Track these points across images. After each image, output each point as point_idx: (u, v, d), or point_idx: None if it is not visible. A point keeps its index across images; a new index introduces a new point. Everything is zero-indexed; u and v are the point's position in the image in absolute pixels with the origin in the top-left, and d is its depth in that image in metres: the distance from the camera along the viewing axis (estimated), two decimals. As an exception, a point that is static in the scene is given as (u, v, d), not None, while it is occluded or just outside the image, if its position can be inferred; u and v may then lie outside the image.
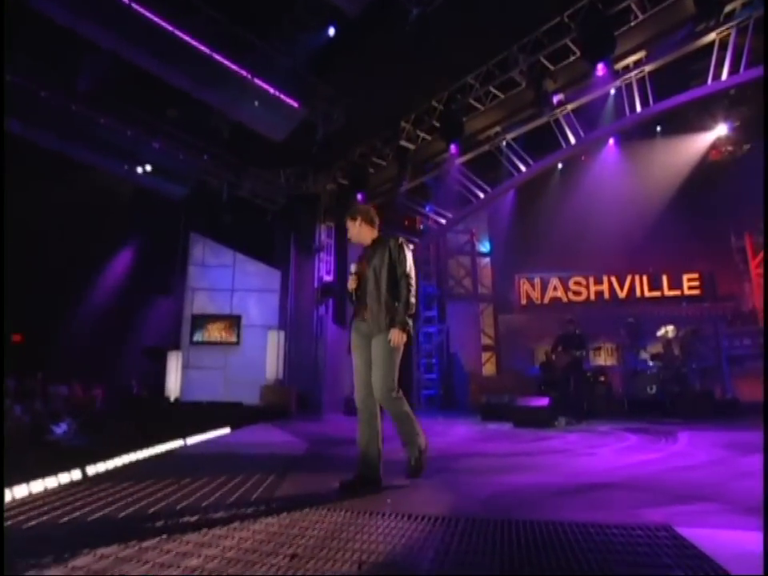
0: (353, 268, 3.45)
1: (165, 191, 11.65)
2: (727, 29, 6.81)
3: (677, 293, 12.42)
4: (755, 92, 9.55)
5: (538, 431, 6.92)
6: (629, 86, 7.88)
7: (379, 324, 3.24)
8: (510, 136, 9.59)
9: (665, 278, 12.65)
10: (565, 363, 8.76)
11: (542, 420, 7.40)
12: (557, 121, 8.89)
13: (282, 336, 10.99)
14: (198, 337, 11.67)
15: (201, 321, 11.76)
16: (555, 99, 8.31)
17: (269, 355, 10.74)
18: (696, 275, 12.26)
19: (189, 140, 10.66)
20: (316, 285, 12.08)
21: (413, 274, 3.28)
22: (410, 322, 3.27)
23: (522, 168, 9.52)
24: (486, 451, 5.01)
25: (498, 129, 9.73)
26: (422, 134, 10.49)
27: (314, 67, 9.16)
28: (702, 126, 11.39)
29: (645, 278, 12.89)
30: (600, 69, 7.36)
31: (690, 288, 12.25)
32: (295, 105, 9.06)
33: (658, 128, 11.59)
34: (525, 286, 14.58)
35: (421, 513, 2.58)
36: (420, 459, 3.34)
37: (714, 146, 11.47)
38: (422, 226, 13.22)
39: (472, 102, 9.34)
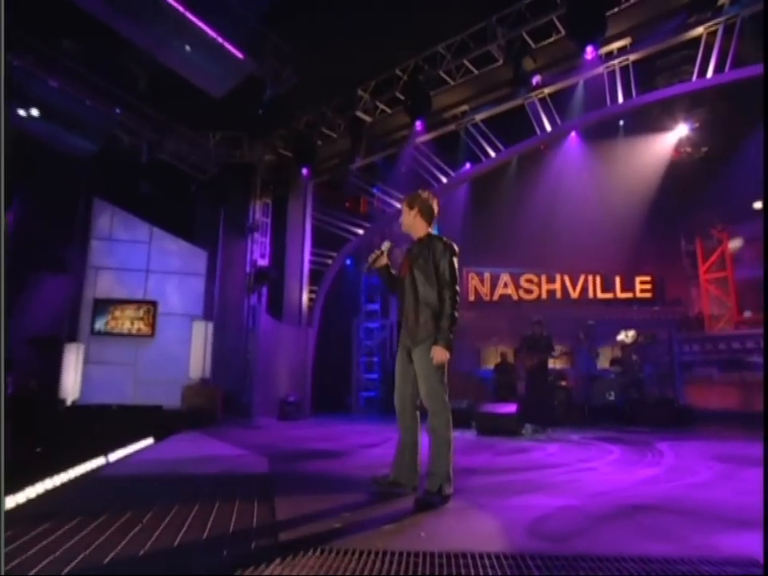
0: (385, 245, 3.48)
1: (64, 145, 10.30)
2: (715, 24, 7.18)
3: (629, 295, 13.19)
4: (716, 94, 10.28)
5: (506, 440, 6.93)
6: (611, 74, 8.10)
7: (415, 337, 3.26)
8: (479, 116, 9.54)
9: (618, 280, 13.39)
10: (530, 367, 8.92)
11: (509, 428, 7.43)
12: (531, 105, 8.97)
13: (210, 328, 10.21)
14: (100, 325, 10.54)
15: (105, 306, 10.63)
16: (534, 80, 8.35)
17: (194, 350, 9.93)
18: (648, 278, 13.08)
19: (99, 83, 9.50)
20: (248, 269, 11.37)
21: (457, 284, 3.26)
22: (450, 341, 3.21)
23: (492, 153, 9.52)
24: (476, 465, 4.84)
25: (465, 107, 9.65)
26: (382, 106, 10.16)
27: (265, 15, 8.50)
28: (662, 126, 12.11)
29: (598, 279, 13.55)
30: (589, 52, 7.46)
31: (642, 291, 13.05)
32: (240, 56, 8.34)
33: (621, 122, 12.15)
34: (473, 281, 14.80)
35: (475, 548, 2.33)
36: (435, 495, 3.12)
37: (674, 148, 12.25)
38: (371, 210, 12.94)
39: (442, 74, 9.16)
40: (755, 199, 11.65)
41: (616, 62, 8.00)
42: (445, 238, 3.34)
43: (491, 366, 14.82)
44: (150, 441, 6.14)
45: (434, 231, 3.50)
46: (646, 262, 13.42)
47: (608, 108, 8.22)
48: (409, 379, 3.38)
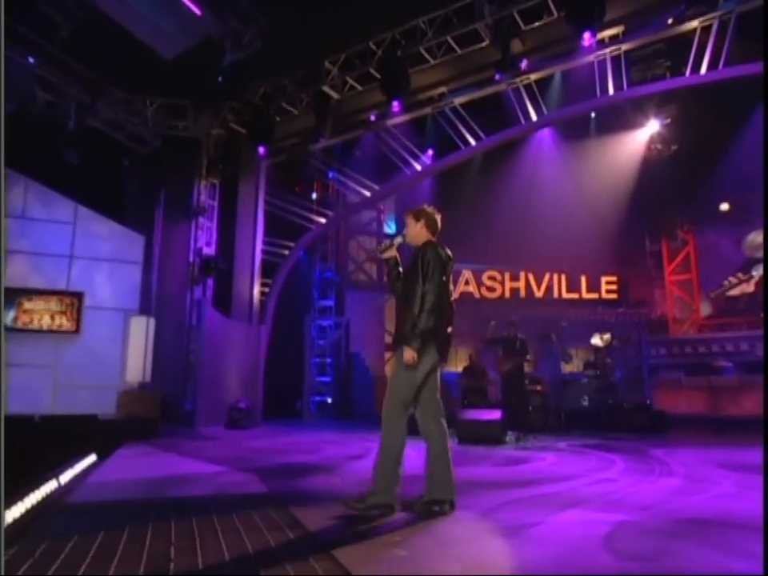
0: (397, 239, 3.62)
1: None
2: (710, 19, 7.51)
3: (594, 296, 13.71)
4: (686, 90, 10.78)
5: (492, 449, 6.93)
6: (602, 64, 8.30)
7: (395, 338, 3.38)
8: (458, 100, 9.49)
9: (583, 280, 13.88)
10: (505, 371, 8.99)
11: (493, 436, 7.44)
12: (515, 91, 9.04)
13: (151, 325, 9.52)
14: (8, 320, 9.57)
15: (16, 297, 9.66)
16: (523, 65, 8.40)
17: (132, 350, 9.20)
18: (614, 278, 13.66)
19: (11, 26, 8.54)
20: (192, 258, 10.75)
21: (434, 284, 3.30)
22: (419, 342, 3.21)
23: (472, 141, 9.51)
24: (483, 477, 4.75)
25: (444, 89, 9.58)
26: (351, 82, 9.88)
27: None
28: (634, 121, 12.62)
29: (563, 278, 13.99)
30: (587, 38, 7.56)
31: (608, 292, 13.61)
32: (198, 12, 7.79)
33: (593, 114, 12.54)
34: (433, 277, 14.82)
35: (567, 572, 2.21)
36: (370, 509, 3.14)
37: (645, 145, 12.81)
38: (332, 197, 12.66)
39: (422, 51, 9.02)
40: (722, 200, 12.44)
41: (607, 50, 8.19)
42: (435, 243, 3.45)
43: (454, 368, 15.02)
44: (92, 458, 5.59)
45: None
46: (610, 262, 13.99)
47: (598, 99, 8.41)
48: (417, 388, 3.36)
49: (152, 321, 9.55)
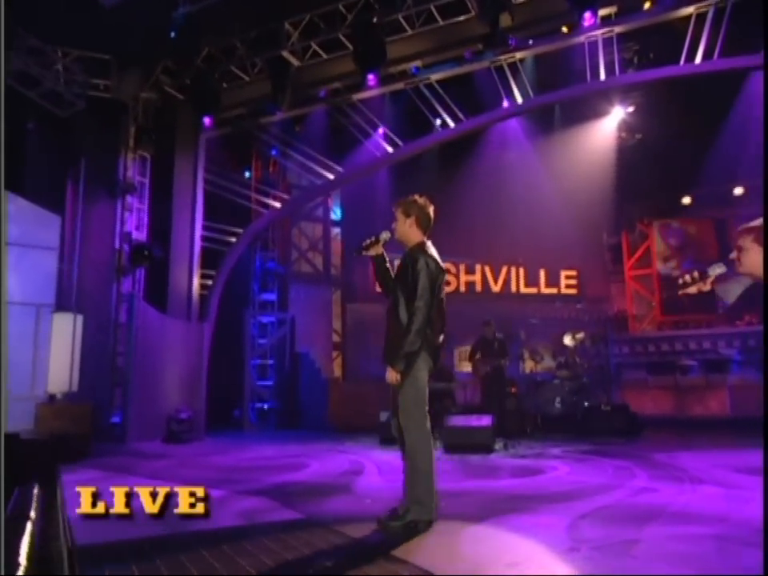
0: (383, 235, 3.66)
1: None
2: (706, 5, 7.87)
3: (553, 290, 14.17)
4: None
5: (486, 458, 6.97)
6: (592, 46, 8.49)
7: (386, 356, 3.49)
8: (436, 76, 9.39)
9: (542, 274, 14.31)
10: (483, 374, 9.06)
11: (482, 444, 7.46)
12: (499, 70, 9.06)
13: (79, 323, 8.64)
14: None
15: None
16: (511, 42, 8.42)
17: (55, 354, 8.29)
18: (574, 272, 14.18)
19: None
20: (118, 244, 9.89)
21: (424, 303, 3.41)
22: (402, 364, 3.42)
23: (450, 123, 9.44)
24: (515, 489, 4.85)
25: (419, 62, 9.43)
26: (316, 47, 9.48)
27: None
28: (599, 109, 13.08)
29: (522, 272, 14.34)
30: (587, 18, 7.69)
31: (568, 287, 14.12)
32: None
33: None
34: (383, 269, 14.72)
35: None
36: (409, 526, 3.29)
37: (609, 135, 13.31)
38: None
39: (400, 19, 8.80)
40: (685, 193, 13.23)
41: (599, 32, 8.39)
42: (428, 252, 3.53)
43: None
44: (36, 490, 4.96)
45: (427, 241, 3.67)
46: (569, 255, 14.50)
47: (590, 83, 8.62)
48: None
49: (80, 318, 8.70)
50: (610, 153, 13.30)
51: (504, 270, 14.40)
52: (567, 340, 10.67)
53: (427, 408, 3.52)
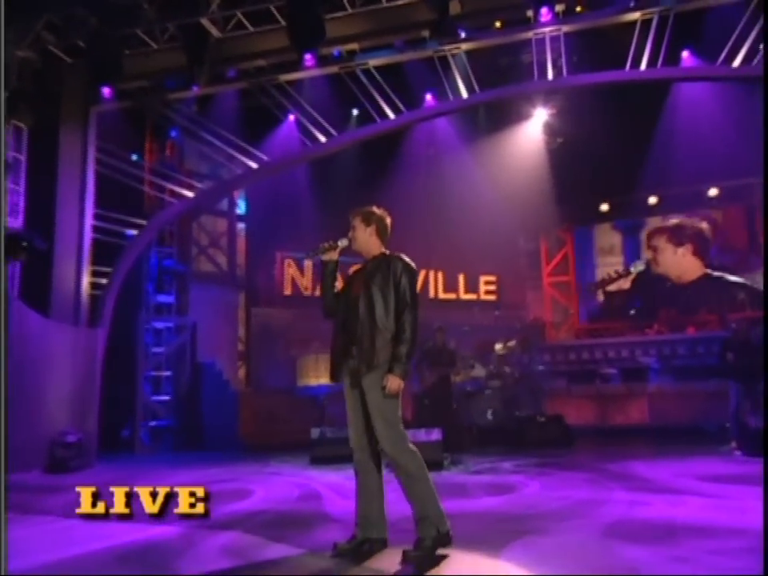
0: (342, 242, 3.75)
1: None
2: (650, 12, 8.35)
3: (473, 296, 14.49)
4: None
5: (437, 474, 6.89)
6: (540, 43, 8.73)
7: (369, 362, 3.47)
8: (374, 62, 9.22)
9: (461, 279, 14.58)
10: (429, 384, 9.00)
11: (432, 460, 7.36)
12: (443, 61, 9.07)
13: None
14: None
15: None
16: (460, 32, 8.45)
17: None
18: (494, 278, 14.59)
19: None
20: (-12, 232, 8.70)
21: (415, 312, 3.54)
22: (404, 371, 3.51)
23: (390, 114, 9.30)
24: (502, 510, 4.79)
25: (356, 45, 9.23)
26: (241, 17, 8.97)
27: None
28: (522, 111, 13.57)
29: (440, 277, 14.52)
30: (544, 14, 7.89)
31: (487, 293, 14.49)
32: None
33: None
34: (291, 270, 14.33)
35: None
36: (433, 545, 3.32)
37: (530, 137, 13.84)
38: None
39: (337, -5, 8.54)
40: (603, 200, 14.07)
41: (546, 30, 8.67)
42: (404, 257, 3.66)
43: (314, 380, 14.61)
44: None
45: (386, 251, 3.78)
46: (488, 261, 14.92)
47: (536, 83, 8.88)
48: (363, 412, 3.55)
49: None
50: (531, 156, 13.84)
51: (422, 273, 14.49)
52: (498, 348, 10.91)
53: None
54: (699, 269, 13.16)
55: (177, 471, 8.09)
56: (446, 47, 8.90)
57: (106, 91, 9.13)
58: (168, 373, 11.87)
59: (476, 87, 9.33)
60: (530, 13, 8.54)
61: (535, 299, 15.04)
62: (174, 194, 10.77)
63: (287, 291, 14.27)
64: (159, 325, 11.95)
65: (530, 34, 8.73)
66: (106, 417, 10.68)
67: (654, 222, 13.78)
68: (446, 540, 3.35)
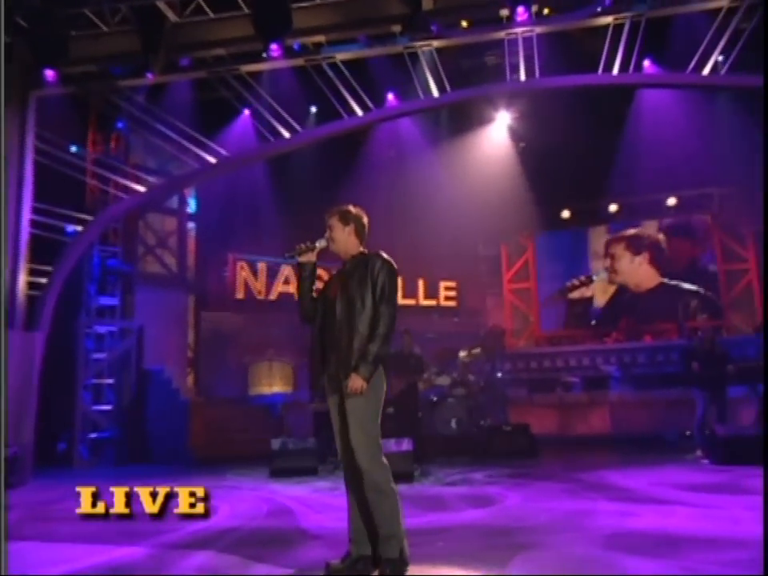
0: (320, 242, 3.66)
1: None
2: (623, 18, 8.49)
3: (432, 302, 14.43)
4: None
5: (411, 487, 6.78)
6: (512, 44, 8.74)
7: (346, 366, 3.38)
8: (342, 56, 9.04)
9: (421, 284, 14.50)
10: (396, 392, 8.80)
11: (403, 472, 7.22)
12: (411, 57, 8.98)
13: None
14: None
15: None
16: (433, 27, 8.37)
17: None
18: (453, 284, 14.57)
19: None
20: None
21: (392, 307, 3.47)
22: (370, 370, 3.36)
23: (359, 111, 9.13)
24: (491, 523, 4.67)
25: (322, 38, 9.03)
26: (201, 2, 8.61)
27: None
28: (484, 114, 13.63)
29: (400, 281, 14.33)
30: (520, 13, 7.88)
31: (447, 299, 14.46)
32: None
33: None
34: (243, 273, 14.04)
35: None
36: (401, 563, 3.26)
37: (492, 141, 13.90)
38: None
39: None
40: (564, 207, 14.27)
41: (519, 30, 8.69)
42: (383, 254, 3.63)
43: (267, 388, 14.23)
44: None
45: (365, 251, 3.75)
46: (447, 266, 14.90)
47: (509, 83, 8.90)
48: (346, 421, 3.45)
49: None
50: (493, 161, 13.91)
51: (380, 278, 14.36)
52: (463, 355, 10.85)
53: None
54: (656, 277, 13.52)
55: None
56: (417, 43, 8.80)
57: (48, 74, 8.62)
58: (110, 380, 11.33)
59: (447, 86, 9.29)
60: (503, 12, 8.52)
61: (495, 306, 15.13)
62: (120, 188, 10.34)
63: (239, 295, 13.94)
64: (101, 329, 11.40)
65: (502, 34, 8.72)
66: (41, 428, 10.11)
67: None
68: (406, 561, 3.28)
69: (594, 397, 12.23)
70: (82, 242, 9.23)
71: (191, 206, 13.47)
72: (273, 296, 14.05)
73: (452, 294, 14.64)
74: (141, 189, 9.67)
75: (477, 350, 10.85)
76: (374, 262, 3.57)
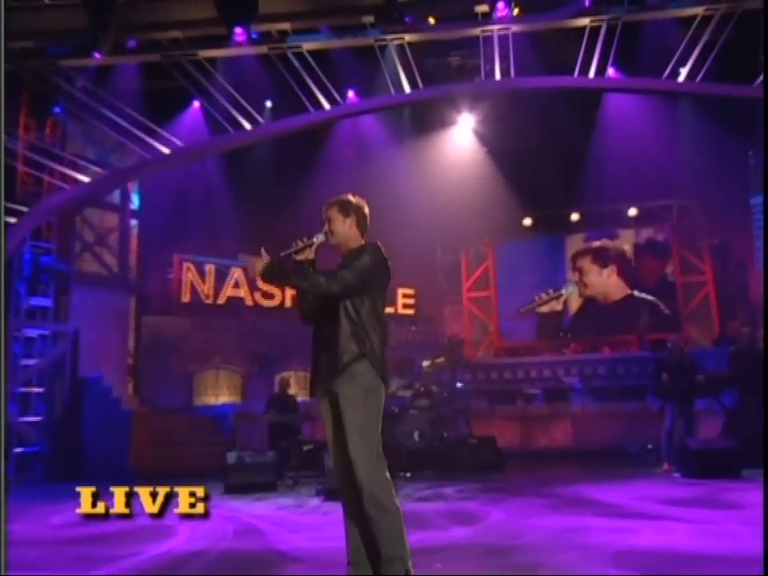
0: (317, 237, 3.40)
1: None
2: (599, 20, 8.57)
3: (390, 310, 14.22)
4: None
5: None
6: (487, 42, 8.70)
7: (335, 364, 3.19)
8: (309, 45, 8.81)
9: (378, 290, 14.23)
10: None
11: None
12: (383, 50, 8.83)
13: None
14: None
15: None
16: (407, 20, 8.26)
17: None
18: (412, 291, 14.43)
19: None
20: None
21: (357, 275, 3.22)
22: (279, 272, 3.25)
23: (325, 104, 8.90)
24: (469, 541, 4.53)
25: (288, 26, 8.78)
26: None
27: None
28: (446, 117, 13.57)
29: (357, 287, 14.11)
30: (500, 8, 7.83)
31: (405, 306, 14.31)
32: None
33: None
34: (189, 275, 13.61)
35: None
36: None
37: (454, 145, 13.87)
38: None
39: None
40: (527, 214, 14.35)
41: (495, 27, 8.65)
42: (379, 245, 3.45)
43: (214, 398, 13.71)
44: None
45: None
46: (405, 273, 14.73)
47: (477, 83, 8.88)
48: (341, 429, 3.27)
49: None
50: (454, 165, 13.87)
51: (336, 284, 14.11)
52: (426, 365, 10.71)
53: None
54: (624, 289, 13.73)
55: (55, 506, 7.02)
56: (389, 36, 8.67)
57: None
58: (40, 389, 10.67)
59: (414, 84, 9.18)
60: (479, 8, 8.49)
61: (453, 315, 15.07)
62: (57, 177, 9.81)
63: (185, 298, 13.47)
64: (32, 332, 10.72)
65: (477, 31, 8.69)
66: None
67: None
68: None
69: (556, 409, 12.25)
70: (16, 235, 8.64)
71: (134, 202, 12.88)
72: (221, 300, 13.62)
73: (410, 301, 14.51)
74: (82, 179, 9.12)
75: (440, 360, 10.72)
76: (366, 248, 3.40)
